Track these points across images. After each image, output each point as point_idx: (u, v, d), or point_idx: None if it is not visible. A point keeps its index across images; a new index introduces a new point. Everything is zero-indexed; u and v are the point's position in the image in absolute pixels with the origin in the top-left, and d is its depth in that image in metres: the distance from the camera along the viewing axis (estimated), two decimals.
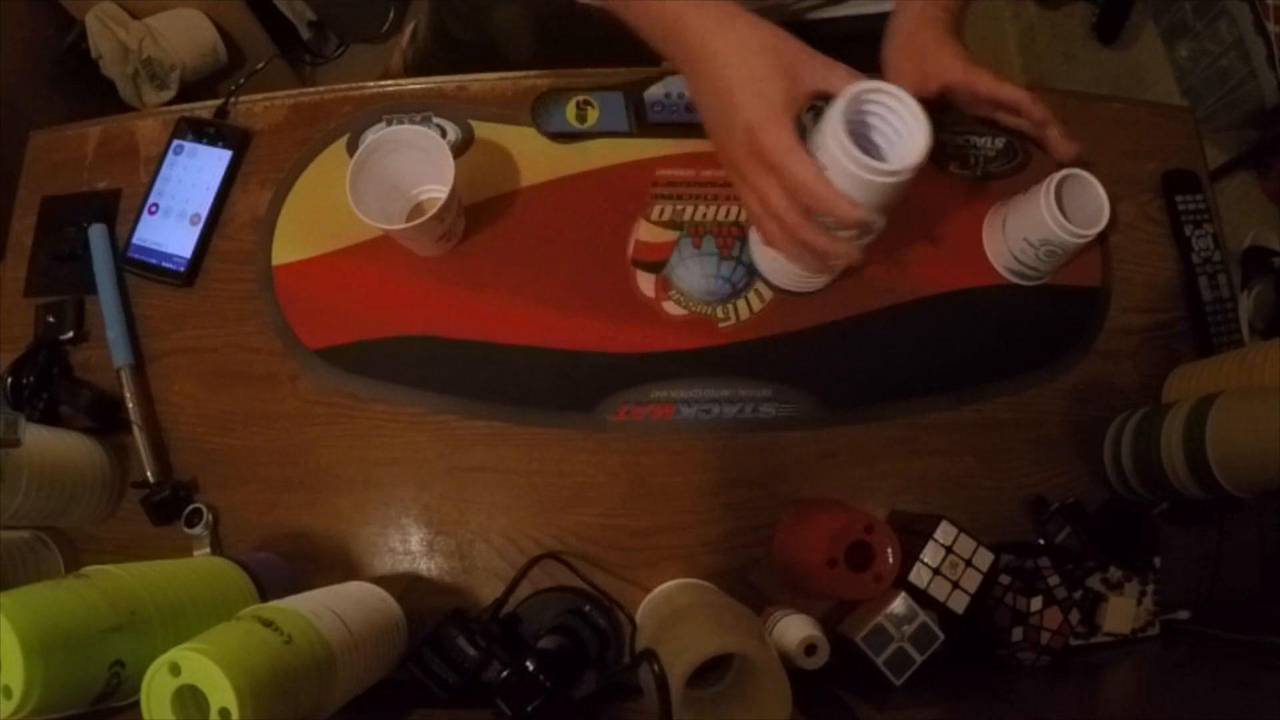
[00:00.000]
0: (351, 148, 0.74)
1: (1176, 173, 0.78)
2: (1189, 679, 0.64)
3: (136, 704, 0.43)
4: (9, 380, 0.68)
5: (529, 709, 0.54)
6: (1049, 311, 0.73)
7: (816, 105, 0.56)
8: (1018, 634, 0.61)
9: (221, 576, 0.57)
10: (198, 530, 0.66)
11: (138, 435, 0.67)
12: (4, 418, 0.57)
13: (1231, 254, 0.80)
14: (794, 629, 0.59)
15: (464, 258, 0.71)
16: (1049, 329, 0.73)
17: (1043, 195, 0.66)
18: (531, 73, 0.76)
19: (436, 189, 0.70)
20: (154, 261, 0.72)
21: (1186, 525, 0.69)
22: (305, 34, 1.65)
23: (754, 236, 0.70)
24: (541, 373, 0.69)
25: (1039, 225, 0.66)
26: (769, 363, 0.70)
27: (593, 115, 0.73)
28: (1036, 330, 0.73)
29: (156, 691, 0.42)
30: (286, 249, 0.72)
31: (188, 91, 1.42)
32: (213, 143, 0.75)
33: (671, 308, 0.71)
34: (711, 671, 0.53)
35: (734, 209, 0.73)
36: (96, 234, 0.72)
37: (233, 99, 0.77)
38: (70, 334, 0.71)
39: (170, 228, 0.73)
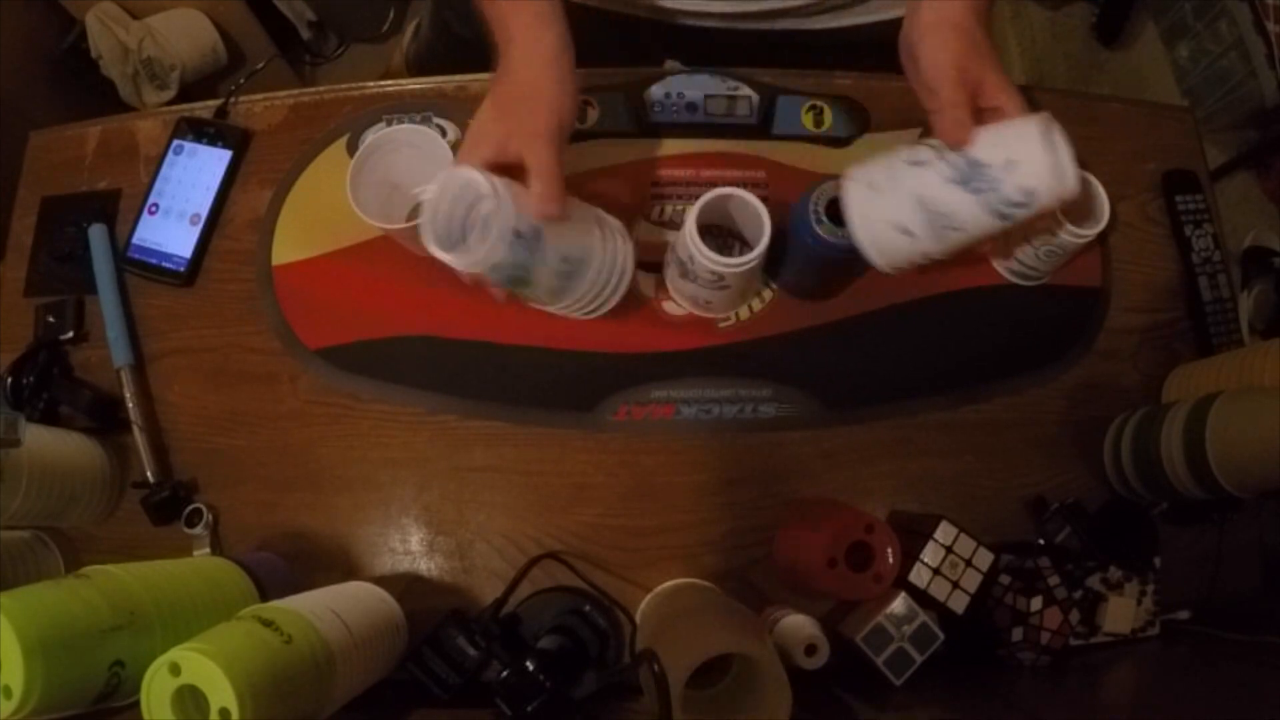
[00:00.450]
0: (351, 148, 0.74)
1: (1176, 173, 0.78)
2: (1189, 679, 0.64)
3: (136, 704, 0.43)
4: (9, 380, 0.68)
5: (529, 709, 0.54)
6: (1049, 311, 0.73)
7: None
8: (1018, 634, 0.61)
9: (221, 576, 0.57)
10: (198, 530, 0.66)
11: (138, 435, 0.67)
12: (4, 418, 0.57)
13: (1231, 254, 0.80)
14: (794, 629, 0.59)
15: None
16: (1049, 329, 0.73)
17: None
18: None
19: None
20: (154, 261, 0.72)
21: (1186, 525, 0.69)
22: (305, 34, 1.65)
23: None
24: (541, 373, 0.69)
25: (1040, 225, 0.66)
26: (769, 363, 0.70)
27: (593, 115, 0.73)
28: (1036, 330, 0.73)
29: (156, 691, 0.42)
30: (286, 249, 0.72)
31: (188, 91, 1.41)
32: (213, 143, 0.75)
33: (671, 308, 0.71)
34: (711, 671, 0.53)
35: None
36: (96, 234, 0.72)
37: (233, 99, 0.77)
38: (70, 334, 0.71)
39: (170, 228, 0.73)
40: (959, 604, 0.61)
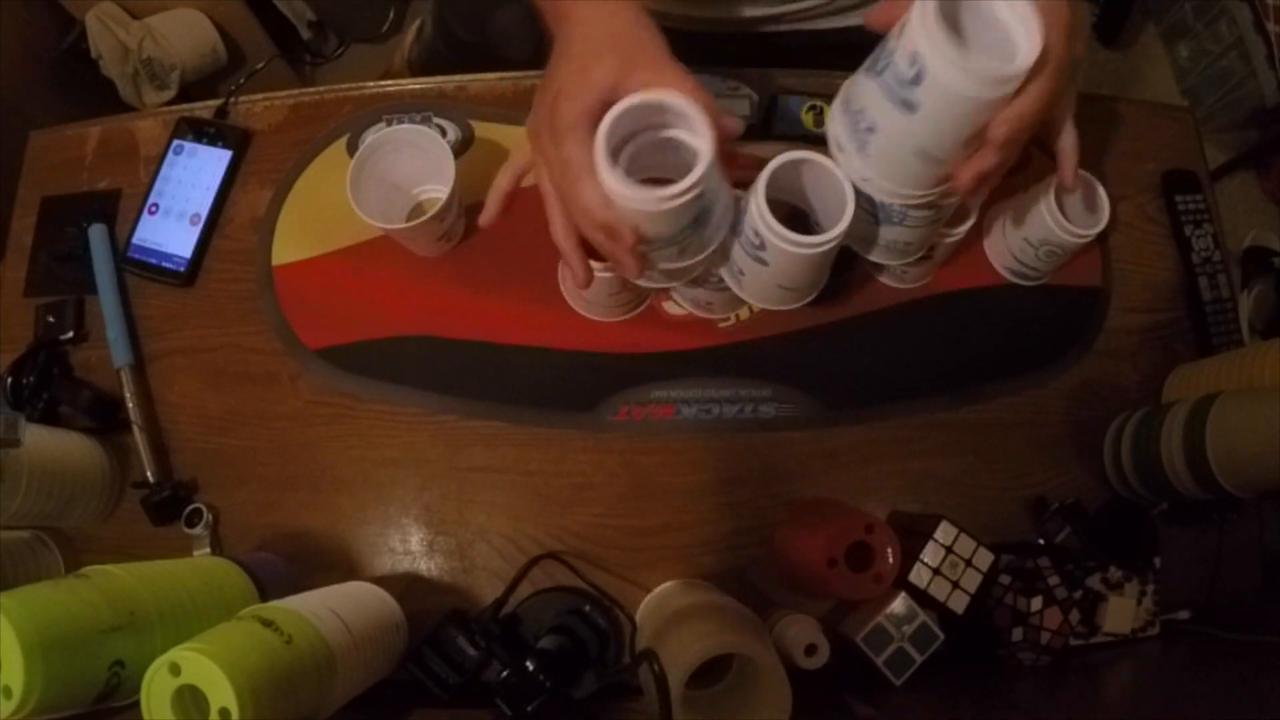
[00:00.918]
0: (351, 148, 0.74)
1: (1176, 173, 0.78)
2: (1189, 679, 0.64)
3: (136, 704, 0.43)
4: (9, 380, 0.68)
5: (529, 709, 0.54)
6: (1049, 311, 0.73)
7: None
8: (1018, 634, 0.61)
9: (221, 576, 0.57)
10: (198, 530, 0.66)
11: (138, 435, 0.67)
12: (4, 418, 0.57)
13: (1231, 254, 0.80)
14: (794, 629, 0.59)
15: (464, 258, 0.71)
16: (1049, 329, 0.73)
17: (1043, 196, 0.66)
18: (531, 73, 0.76)
19: (437, 189, 0.70)
20: (154, 261, 0.72)
21: (1186, 525, 0.69)
22: (305, 34, 1.65)
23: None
24: (541, 373, 0.69)
25: (1039, 225, 0.66)
26: (769, 363, 0.70)
27: None
28: (1036, 330, 0.73)
29: (156, 691, 0.42)
30: (286, 249, 0.72)
31: (188, 91, 1.41)
32: (213, 143, 0.75)
33: (671, 308, 0.71)
34: (711, 671, 0.53)
35: None
36: (96, 234, 0.72)
37: (233, 99, 0.77)
38: (70, 334, 0.71)
39: (170, 228, 0.73)
40: (959, 604, 0.61)
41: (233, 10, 1.46)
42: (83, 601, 0.46)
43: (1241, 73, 1.62)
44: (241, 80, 0.81)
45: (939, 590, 0.61)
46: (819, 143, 0.73)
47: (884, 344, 0.71)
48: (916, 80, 0.45)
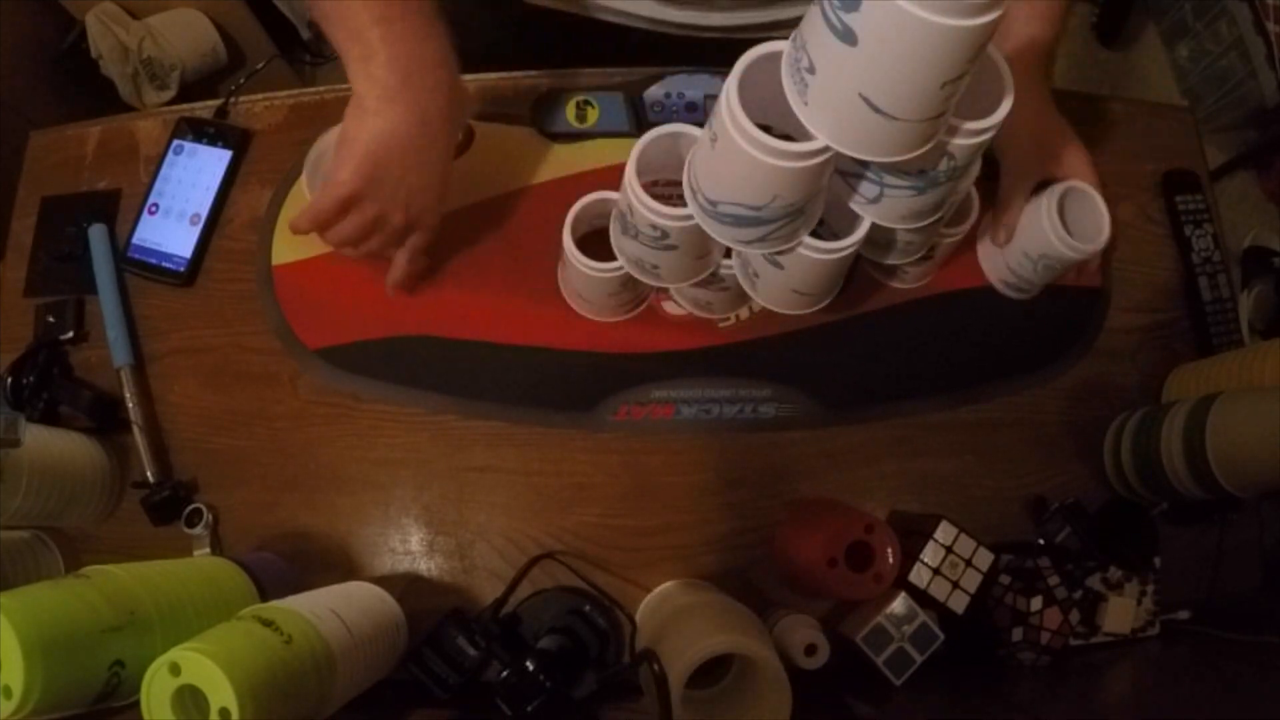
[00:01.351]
0: None
1: (1176, 173, 0.78)
2: (1189, 679, 0.64)
3: (136, 704, 0.43)
4: (9, 380, 0.68)
5: (529, 709, 0.54)
6: (1049, 311, 0.73)
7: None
8: (1018, 634, 0.61)
9: (221, 576, 0.57)
10: (198, 530, 0.66)
11: (138, 435, 0.67)
12: (4, 418, 0.57)
13: (1231, 254, 0.80)
14: (794, 629, 0.59)
15: (464, 257, 0.71)
16: (1049, 329, 0.73)
17: (1044, 208, 0.65)
18: (531, 73, 0.76)
19: None
20: (154, 261, 0.72)
21: (1186, 525, 0.69)
22: (305, 34, 1.65)
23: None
24: (541, 373, 0.69)
25: (1039, 239, 0.66)
26: (769, 363, 0.70)
27: (593, 115, 0.73)
28: (1037, 330, 0.73)
29: (156, 691, 0.42)
30: (286, 249, 0.72)
31: (188, 91, 1.42)
32: (213, 143, 0.75)
33: (671, 308, 0.71)
34: (712, 671, 0.53)
35: None
36: (96, 234, 0.72)
37: (233, 99, 0.77)
38: (70, 334, 0.71)
39: (170, 228, 0.73)
40: (959, 604, 0.61)
41: (233, 10, 1.46)
42: (83, 601, 0.46)
43: (1241, 73, 1.62)
44: (241, 80, 0.81)
45: (939, 590, 0.61)
46: None
47: (884, 344, 0.71)
48: None
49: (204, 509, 0.66)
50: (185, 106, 0.78)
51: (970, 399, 0.71)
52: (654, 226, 0.53)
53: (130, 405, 0.68)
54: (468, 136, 0.74)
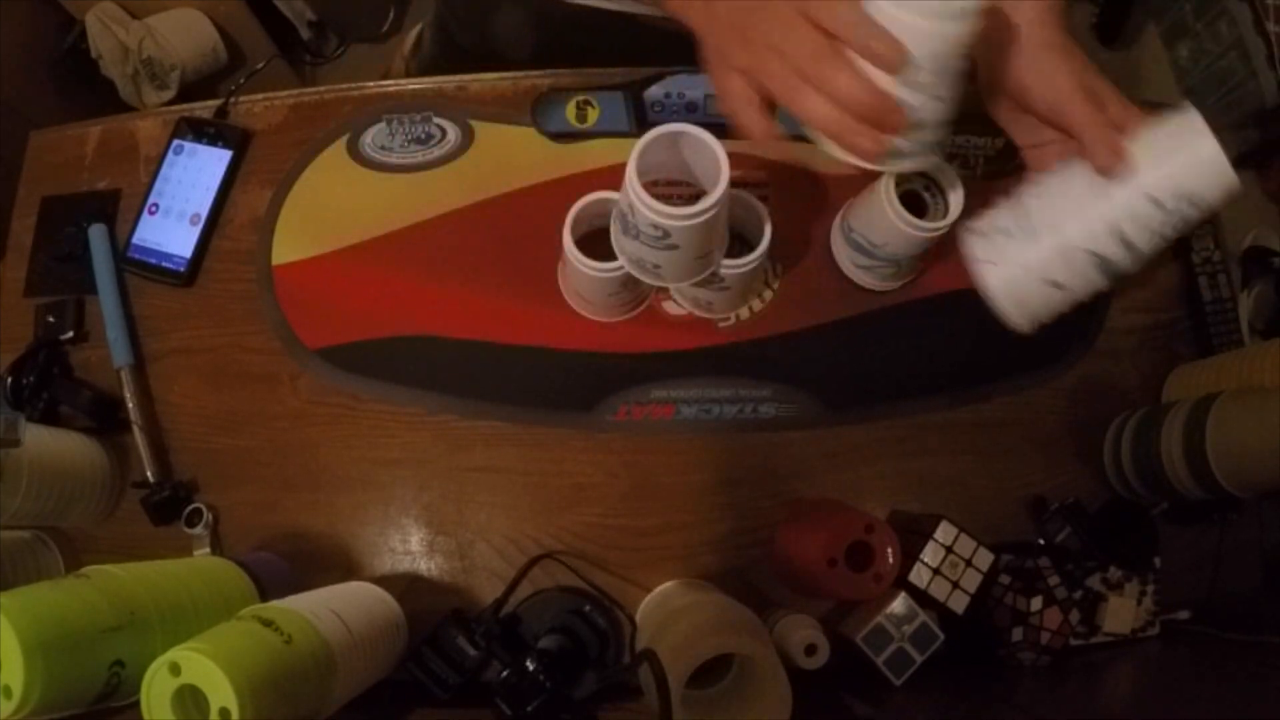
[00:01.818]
0: (351, 148, 0.74)
1: None
2: (1189, 679, 0.64)
3: (136, 704, 0.43)
4: (9, 380, 0.68)
5: (529, 709, 0.54)
6: None
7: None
8: (1018, 634, 0.61)
9: (221, 576, 0.57)
10: (198, 530, 0.66)
11: (138, 435, 0.67)
12: (4, 418, 0.57)
13: (1231, 254, 0.80)
14: (794, 629, 0.59)
15: (464, 258, 0.71)
16: (1049, 329, 0.73)
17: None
18: (531, 73, 0.76)
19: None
20: (154, 261, 0.72)
21: (1186, 525, 0.69)
22: (305, 34, 1.65)
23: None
24: (541, 373, 0.69)
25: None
26: (769, 363, 0.70)
27: (593, 115, 0.73)
28: (1036, 330, 0.73)
29: (156, 691, 0.42)
30: (286, 249, 0.72)
31: (188, 91, 1.42)
32: (213, 143, 0.75)
33: (671, 308, 0.71)
34: (711, 671, 0.53)
35: None
36: (96, 234, 0.72)
37: (233, 99, 0.77)
38: (70, 334, 0.71)
39: (170, 228, 0.73)
40: (959, 604, 0.61)
41: (233, 10, 1.46)
42: (83, 601, 0.46)
43: (1241, 73, 1.62)
44: (241, 80, 0.81)
45: (939, 590, 0.61)
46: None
47: (884, 344, 0.71)
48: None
49: (204, 509, 0.66)
50: (185, 106, 0.78)
51: (970, 399, 0.71)
52: (655, 226, 0.53)
53: (130, 405, 0.68)
54: (467, 137, 0.73)
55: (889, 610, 0.59)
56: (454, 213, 0.70)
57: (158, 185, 0.74)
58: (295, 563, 0.66)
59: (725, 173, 0.51)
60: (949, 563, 0.61)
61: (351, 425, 0.69)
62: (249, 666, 0.42)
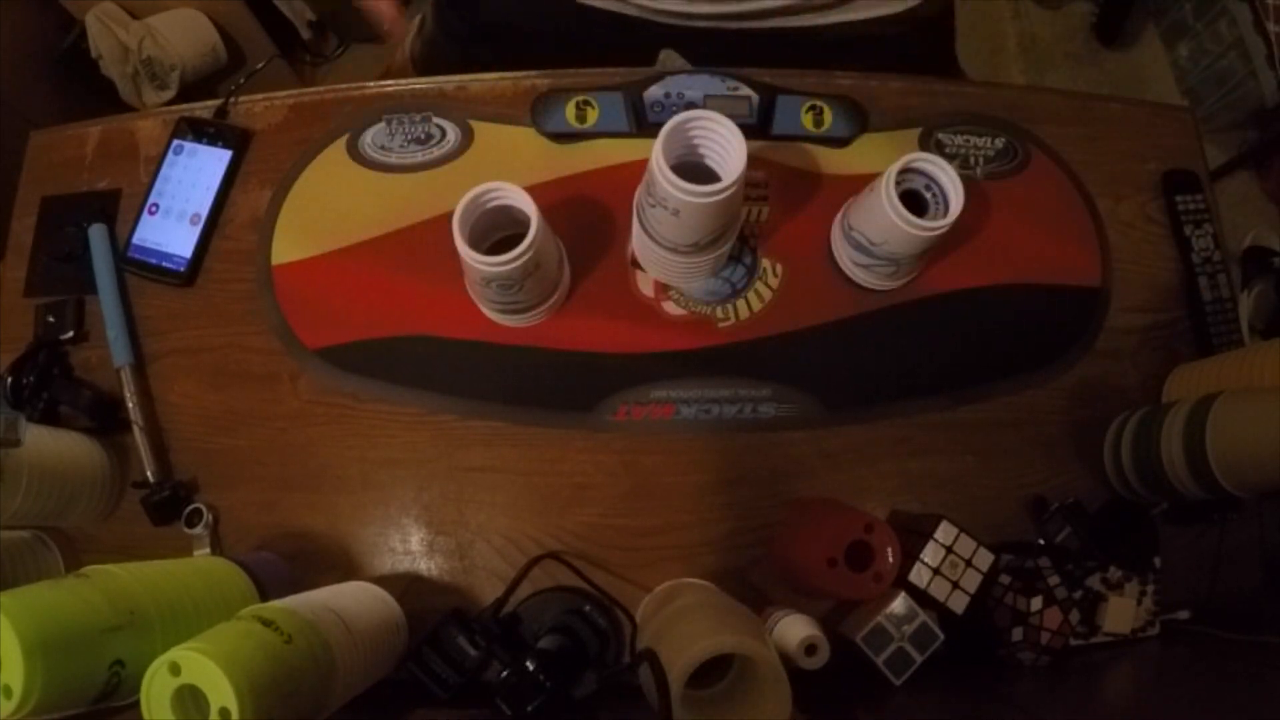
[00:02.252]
0: (351, 148, 0.74)
1: (1176, 173, 0.78)
2: (1189, 679, 0.64)
3: (136, 704, 0.43)
4: (9, 380, 0.68)
5: (529, 709, 0.54)
6: (1049, 311, 0.73)
7: None
8: (1018, 634, 0.61)
9: (221, 576, 0.57)
10: (198, 530, 0.66)
11: (138, 435, 0.67)
12: (4, 418, 0.57)
13: (1231, 254, 0.80)
14: (794, 629, 0.59)
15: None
16: (1049, 329, 0.73)
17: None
18: (531, 73, 0.76)
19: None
20: (154, 261, 0.72)
21: (1186, 525, 0.69)
22: (305, 34, 1.65)
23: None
24: (541, 373, 0.69)
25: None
26: (769, 363, 0.70)
27: (592, 115, 0.73)
28: (1036, 330, 0.73)
29: (156, 691, 0.42)
30: (286, 249, 0.72)
31: (188, 91, 1.42)
32: (213, 143, 0.75)
33: (671, 308, 0.71)
34: (711, 671, 0.53)
35: None
36: (96, 234, 0.72)
37: (233, 99, 0.77)
38: (70, 334, 0.71)
39: (170, 228, 0.73)
40: (959, 604, 0.61)
41: (233, 10, 1.46)
42: (83, 601, 0.46)
43: (1241, 73, 1.62)
44: (241, 80, 0.81)
45: (939, 590, 0.61)
46: (819, 142, 0.74)
47: (884, 344, 0.71)
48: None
49: (204, 509, 0.66)
50: (185, 106, 0.78)
51: (970, 399, 0.71)
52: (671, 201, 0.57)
53: (130, 405, 0.68)
54: (467, 137, 0.74)
55: (889, 610, 0.59)
56: (453, 213, 0.70)
57: (158, 185, 0.74)
58: (295, 563, 0.66)
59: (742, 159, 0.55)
60: (949, 563, 0.61)
61: (351, 425, 0.69)
62: (249, 666, 0.42)
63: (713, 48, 0.78)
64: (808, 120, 0.74)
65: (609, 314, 0.70)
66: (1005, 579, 0.63)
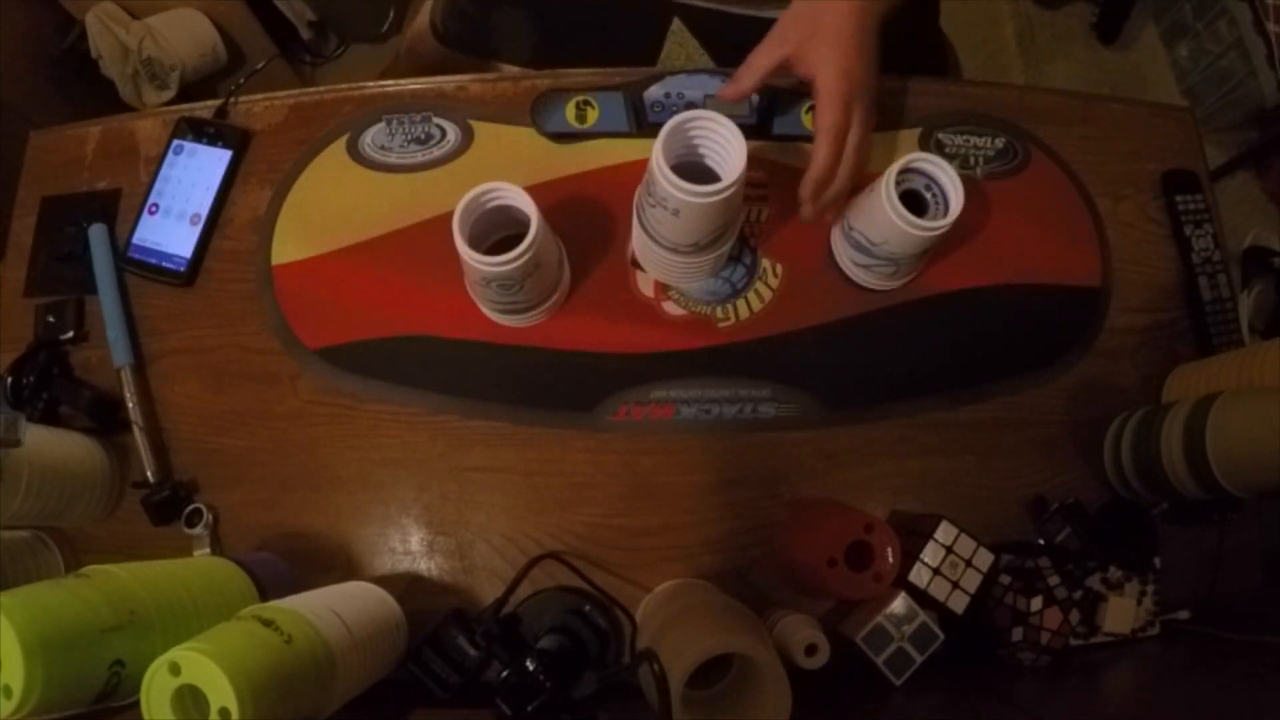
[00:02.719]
0: (351, 148, 0.74)
1: (1176, 173, 0.78)
2: (1189, 679, 0.64)
3: (136, 704, 0.43)
4: (9, 380, 0.68)
5: (529, 709, 0.54)
6: (1049, 311, 0.73)
7: None
8: (1018, 634, 0.61)
9: (221, 576, 0.57)
10: (198, 530, 0.66)
11: (138, 435, 0.67)
12: (4, 418, 0.57)
13: (1231, 254, 0.80)
14: (794, 629, 0.59)
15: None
16: (1049, 329, 0.73)
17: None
18: (531, 72, 0.76)
19: None
20: (154, 261, 0.72)
21: (1186, 525, 0.69)
22: (305, 34, 1.65)
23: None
24: (541, 373, 0.69)
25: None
26: (769, 363, 0.70)
27: (592, 115, 0.73)
28: (1036, 330, 0.73)
29: (156, 691, 0.42)
30: (286, 249, 0.72)
31: (188, 91, 1.42)
32: (213, 143, 0.75)
33: (671, 308, 0.71)
34: (712, 671, 0.53)
35: None
36: (96, 234, 0.72)
37: (233, 99, 0.77)
38: (70, 334, 0.71)
39: (170, 228, 0.73)
40: (959, 604, 0.61)
41: (233, 10, 1.46)
42: (83, 601, 0.46)
43: (1241, 73, 1.62)
44: (241, 80, 0.81)
45: (939, 590, 0.61)
46: None
47: (884, 344, 0.71)
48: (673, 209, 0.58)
49: (204, 509, 0.66)
50: (185, 106, 0.78)
51: (970, 399, 0.71)
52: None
53: (130, 405, 0.68)
54: (467, 137, 0.74)
55: (889, 610, 0.59)
56: (454, 213, 0.70)
57: (158, 185, 0.74)
58: (295, 563, 0.66)
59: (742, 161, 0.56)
60: (949, 563, 0.61)
61: (351, 425, 0.69)
62: (249, 666, 0.42)
63: (714, 36, 0.78)
64: (808, 120, 0.74)
65: (609, 314, 0.70)
66: (1005, 579, 0.63)
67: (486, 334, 0.70)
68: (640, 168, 0.73)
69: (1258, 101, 1.61)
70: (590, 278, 0.71)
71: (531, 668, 0.54)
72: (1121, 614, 0.65)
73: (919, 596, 0.60)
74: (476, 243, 0.61)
